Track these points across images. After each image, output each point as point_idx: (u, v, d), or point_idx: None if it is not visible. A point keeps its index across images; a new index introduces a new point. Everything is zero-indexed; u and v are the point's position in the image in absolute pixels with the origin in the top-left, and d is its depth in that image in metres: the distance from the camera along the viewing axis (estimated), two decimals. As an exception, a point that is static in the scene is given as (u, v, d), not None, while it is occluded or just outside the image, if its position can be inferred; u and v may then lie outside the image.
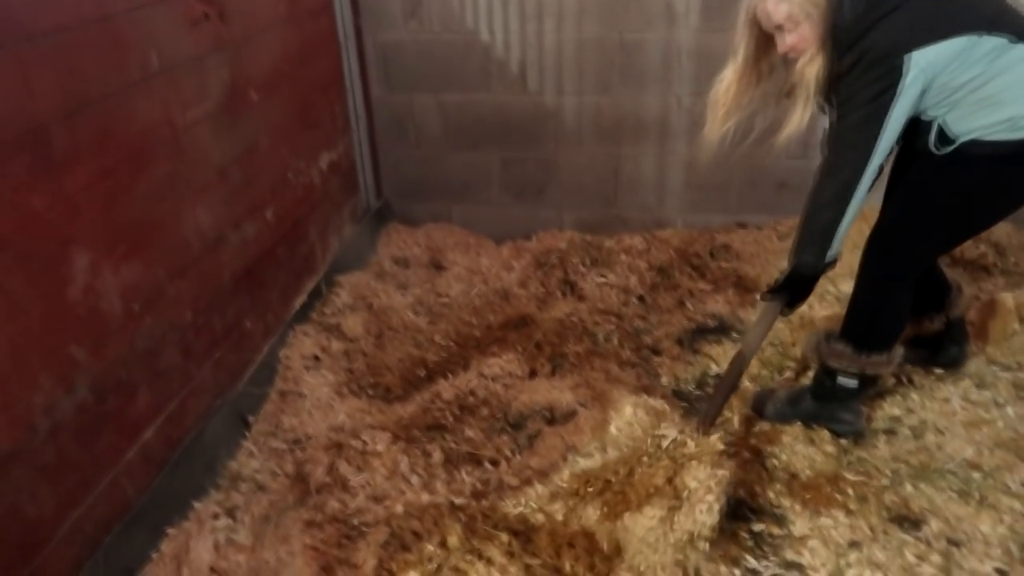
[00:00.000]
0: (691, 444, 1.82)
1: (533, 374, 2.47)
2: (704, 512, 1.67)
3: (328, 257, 2.95)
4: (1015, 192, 1.85)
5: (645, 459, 1.83)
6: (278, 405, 2.33)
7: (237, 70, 2.29)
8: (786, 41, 1.77)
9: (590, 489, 1.85)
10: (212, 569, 1.77)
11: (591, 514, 1.79)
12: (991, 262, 2.85)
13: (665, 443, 1.85)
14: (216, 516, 1.93)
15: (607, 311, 2.82)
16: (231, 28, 2.25)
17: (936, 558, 1.70)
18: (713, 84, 1.94)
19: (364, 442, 2.12)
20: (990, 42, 1.67)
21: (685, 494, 1.70)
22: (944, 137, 1.79)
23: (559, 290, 2.97)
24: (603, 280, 2.99)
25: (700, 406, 2.06)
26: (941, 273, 2.26)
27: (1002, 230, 2.98)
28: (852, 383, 2.04)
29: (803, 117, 1.81)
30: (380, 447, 2.11)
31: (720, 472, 1.73)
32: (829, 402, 2.09)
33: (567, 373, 2.47)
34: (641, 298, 2.91)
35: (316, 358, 2.53)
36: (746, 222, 3.31)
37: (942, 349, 2.31)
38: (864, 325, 2.02)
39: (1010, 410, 2.13)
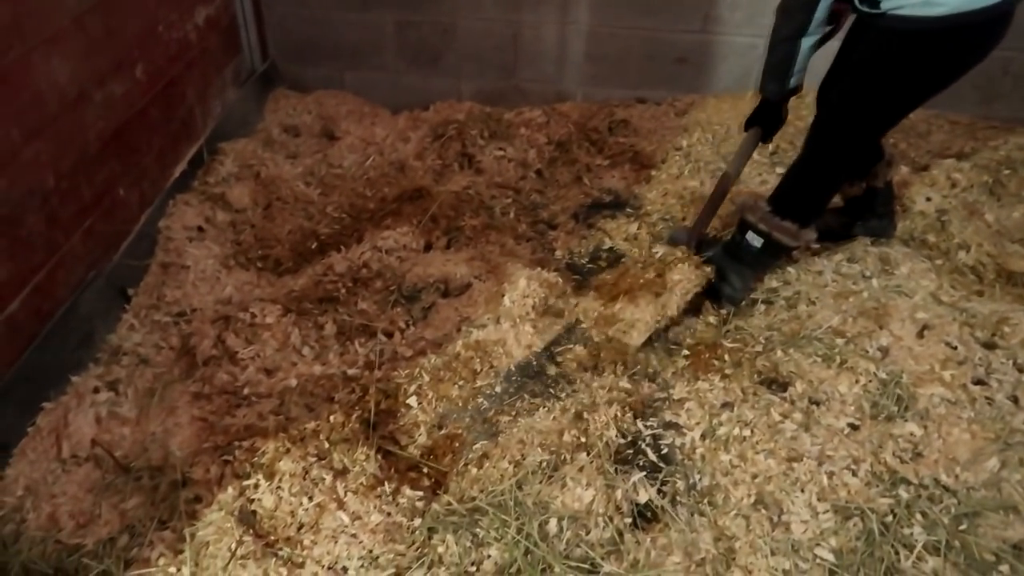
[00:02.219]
0: (679, 253, 2.12)
1: (428, 247, 2.45)
2: (680, 295, 2.03)
3: (209, 122, 2.76)
4: (939, 69, 1.88)
5: (639, 265, 2.16)
6: (159, 277, 2.23)
7: (91, -98, 2.02)
8: None
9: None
10: (94, 442, 1.72)
11: (590, 304, 2.13)
12: (871, 143, 2.97)
13: (658, 254, 2.16)
14: (96, 390, 1.86)
15: (504, 185, 2.80)
16: None
17: (798, 416, 1.85)
18: None
19: (253, 315, 2.07)
20: None
21: (669, 285, 2.04)
22: None
23: (456, 163, 2.91)
24: (501, 154, 2.95)
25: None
26: (878, 143, 2.33)
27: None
28: (757, 243, 2.14)
29: None
30: (270, 319, 2.06)
31: (702, 270, 2.07)
32: (730, 259, 2.19)
33: (463, 246, 2.47)
34: (539, 172, 2.90)
35: (200, 229, 2.41)
36: (645, 97, 3.30)
37: (863, 218, 2.43)
38: (787, 189, 2.11)
39: (875, 282, 2.28)
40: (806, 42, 1.89)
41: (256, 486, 1.61)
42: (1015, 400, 1.90)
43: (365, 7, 3.16)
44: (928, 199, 2.59)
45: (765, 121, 2.10)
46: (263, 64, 3.23)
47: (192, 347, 1.99)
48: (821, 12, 1.82)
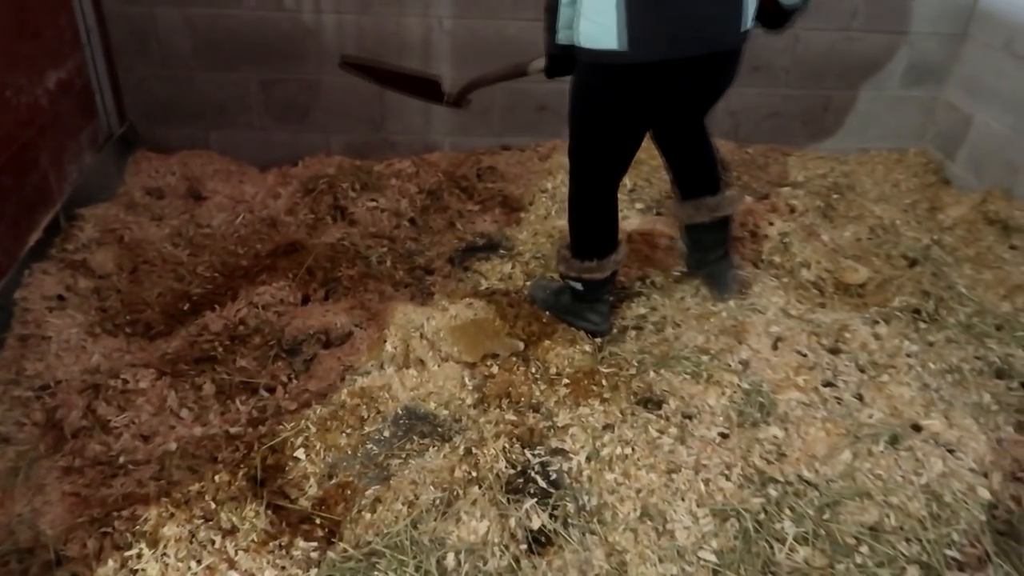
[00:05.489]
0: None
1: (306, 300, 2.45)
2: None
3: (66, 188, 2.65)
4: (606, 99, 1.95)
5: None
6: (18, 351, 2.10)
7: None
8: None
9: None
10: (-48, 532, 1.60)
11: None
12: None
13: None
14: (-48, 476, 1.73)
15: (379, 235, 2.84)
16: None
17: (673, 430, 1.97)
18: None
19: (125, 381, 1.99)
20: None
21: None
22: None
23: (329, 216, 2.93)
24: (374, 204, 2.99)
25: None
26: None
27: (724, 148, 3.38)
28: (578, 285, 2.27)
29: None
30: (144, 384, 1.99)
31: None
32: (579, 302, 2.31)
33: (341, 297, 2.48)
34: (412, 220, 2.96)
35: (61, 298, 2.30)
36: (509, 144, 3.45)
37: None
38: (573, 234, 2.25)
39: (731, 302, 2.47)
40: None
41: (139, 555, 1.54)
42: (860, 398, 2.10)
43: (228, 67, 3.16)
44: (771, 224, 2.84)
45: (547, 64, 2.06)
46: (121, 127, 3.15)
47: (59, 420, 1.89)
48: None
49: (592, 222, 2.21)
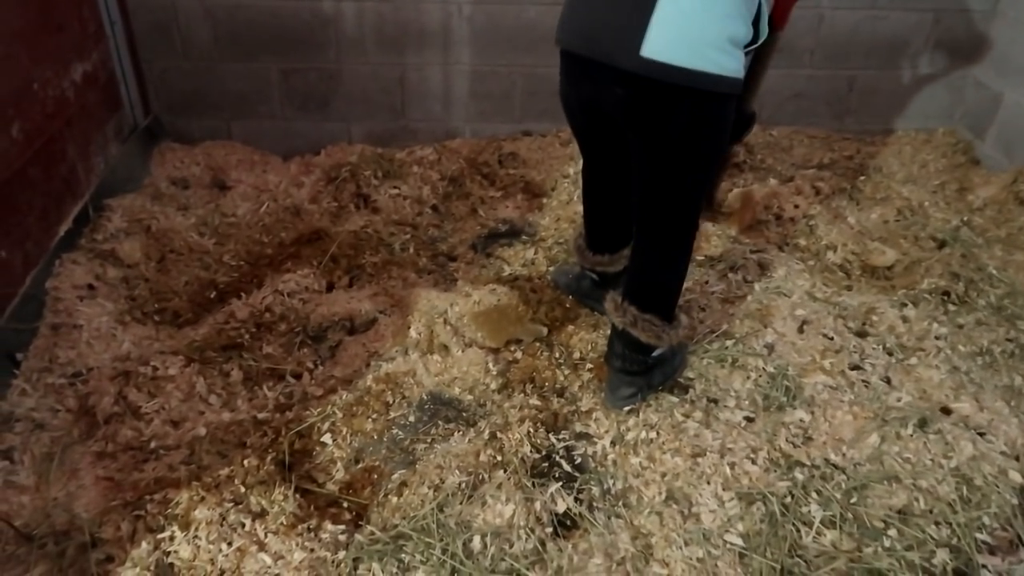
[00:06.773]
0: None
1: (331, 287, 2.46)
2: None
3: (93, 179, 2.69)
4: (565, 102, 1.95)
5: None
6: (50, 339, 2.14)
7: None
8: None
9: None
10: (-10, 515, 1.64)
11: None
12: (742, 159, 3.19)
13: None
14: (-11, 461, 1.77)
15: (402, 222, 2.85)
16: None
17: (699, 414, 1.96)
18: None
19: (155, 368, 2.02)
20: None
21: None
22: None
23: (352, 203, 2.94)
24: (396, 192, 3.00)
25: None
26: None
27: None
28: (593, 275, 2.30)
29: None
30: (173, 371, 2.02)
31: None
32: (599, 288, 2.30)
33: (365, 284, 2.49)
34: (435, 207, 2.96)
35: (91, 287, 2.33)
36: (530, 130, 3.44)
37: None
38: (584, 224, 2.27)
39: (756, 286, 2.45)
40: None
41: (172, 538, 1.57)
42: (887, 381, 2.08)
43: (249, 57, 3.17)
44: (796, 206, 2.81)
45: None
46: (146, 119, 3.18)
47: (91, 406, 1.92)
48: None
49: (591, 212, 2.21)
